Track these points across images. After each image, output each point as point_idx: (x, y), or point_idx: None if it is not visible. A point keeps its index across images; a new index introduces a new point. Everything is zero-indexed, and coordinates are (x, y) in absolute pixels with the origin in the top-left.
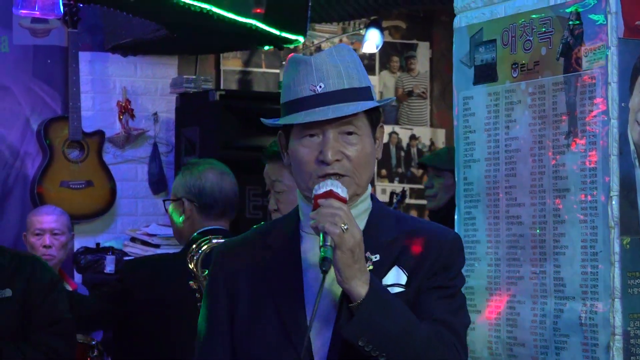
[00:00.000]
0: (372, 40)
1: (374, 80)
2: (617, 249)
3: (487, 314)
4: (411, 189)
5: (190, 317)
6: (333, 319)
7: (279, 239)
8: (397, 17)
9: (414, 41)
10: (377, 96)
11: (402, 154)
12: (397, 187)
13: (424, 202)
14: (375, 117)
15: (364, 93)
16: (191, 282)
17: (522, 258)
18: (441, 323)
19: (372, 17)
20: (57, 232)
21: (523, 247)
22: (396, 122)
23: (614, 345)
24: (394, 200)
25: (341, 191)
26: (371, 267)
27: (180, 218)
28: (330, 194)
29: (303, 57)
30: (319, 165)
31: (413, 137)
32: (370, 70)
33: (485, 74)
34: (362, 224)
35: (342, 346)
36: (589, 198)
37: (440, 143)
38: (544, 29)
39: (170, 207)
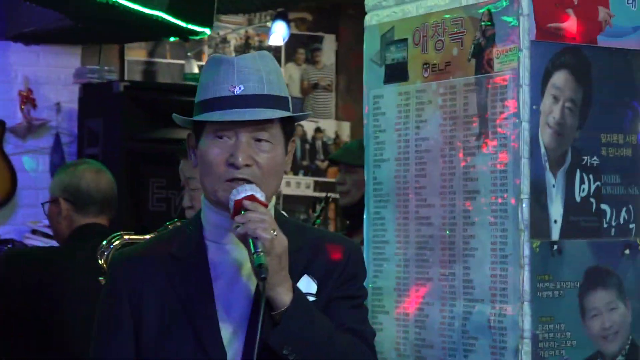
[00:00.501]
0: (279, 33)
1: None
2: (526, 252)
3: (395, 315)
4: (316, 182)
5: (88, 314)
6: (245, 326)
7: (184, 249)
8: (303, 9)
9: (320, 33)
10: None
11: (307, 146)
12: (302, 179)
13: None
14: (289, 129)
15: (283, 103)
16: (101, 279)
17: (432, 259)
18: (353, 332)
19: (279, 9)
20: None
21: (432, 248)
22: None
23: (523, 349)
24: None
25: (261, 196)
26: None
27: (58, 217)
28: (252, 199)
29: (225, 57)
30: (228, 168)
31: (318, 130)
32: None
33: (396, 73)
34: None
35: (256, 353)
36: (499, 200)
37: (345, 136)
38: (455, 30)
39: (48, 207)
